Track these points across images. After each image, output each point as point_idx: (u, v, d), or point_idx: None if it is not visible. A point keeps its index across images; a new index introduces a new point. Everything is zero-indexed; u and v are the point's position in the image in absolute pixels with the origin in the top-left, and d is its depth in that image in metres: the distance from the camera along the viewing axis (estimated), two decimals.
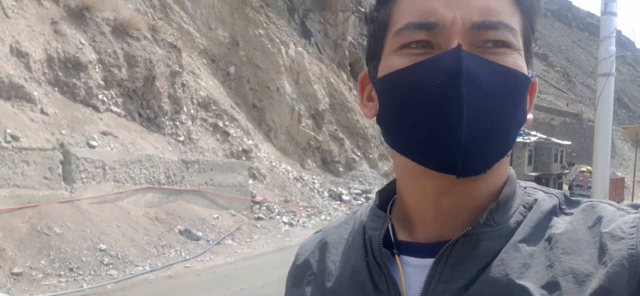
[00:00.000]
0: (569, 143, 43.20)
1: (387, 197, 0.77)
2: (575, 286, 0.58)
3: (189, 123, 15.19)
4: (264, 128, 20.67)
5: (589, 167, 37.46)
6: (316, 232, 0.86)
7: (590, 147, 5.40)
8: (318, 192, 18.72)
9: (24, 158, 9.30)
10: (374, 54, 0.70)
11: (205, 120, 16.44)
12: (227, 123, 17.43)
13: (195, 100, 16.42)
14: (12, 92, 10.48)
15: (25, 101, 10.62)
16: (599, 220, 0.62)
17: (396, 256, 0.68)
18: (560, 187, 39.05)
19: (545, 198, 0.68)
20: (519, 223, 0.64)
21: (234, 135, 17.16)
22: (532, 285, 0.59)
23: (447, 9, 0.61)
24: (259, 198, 15.15)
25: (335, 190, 19.45)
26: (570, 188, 36.04)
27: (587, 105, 71.81)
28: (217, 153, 15.48)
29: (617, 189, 32.02)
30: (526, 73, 0.65)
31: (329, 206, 17.57)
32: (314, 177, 19.94)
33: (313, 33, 25.93)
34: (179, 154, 13.24)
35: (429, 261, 0.65)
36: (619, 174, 43.06)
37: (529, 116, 0.68)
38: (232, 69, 20.77)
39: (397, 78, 0.64)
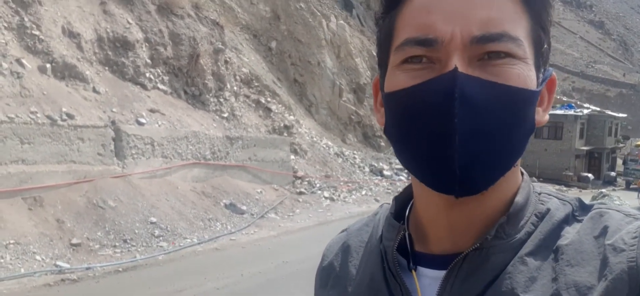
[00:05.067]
0: (624, 115, 41.13)
1: (404, 202, 0.77)
2: None
3: (233, 99, 15.48)
4: (305, 104, 20.77)
5: None
6: (341, 232, 0.87)
7: None
8: (359, 167, 18.76)
9: (79, 136, 9.79)
10: (382, 63, 0.70)
11: (247, 97, 16.69)
12: (268, 99, 17.63)
13: (237, 77, 16.67)
14: (66, 72, 10.97)
15: (78, 80, 11.10)
16: (604, 230, 0.62)
17: (412, 269, 0.69)
18: (614, 162, 37.37)
19: (559, 206, 0.67)
20: (529, 234, 0.64)
21: (276, 111, 17.36)
22: None
23: (446, 23, 0.60)
24: (300, 173, 15.36)
25: (376, 165, 19.43)
26: (624, 163, 34.45)
27: None
28: (259, 129, 15.73)
29: None
30: (533, 84, 0.63)
31: (369, 181, 17.60)
32: (355, 152, 19.96)
33: (355, 5, 25.59)
34: (223, 130, 13.55)
35: (443, 273, 0.66)
36: None
37: (544, 118, 0.67)
38: (273, 44, 20.87)
39: (397, 98, 0.64)
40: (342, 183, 16.30)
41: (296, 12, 21.30)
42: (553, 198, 0.68)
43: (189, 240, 9.58)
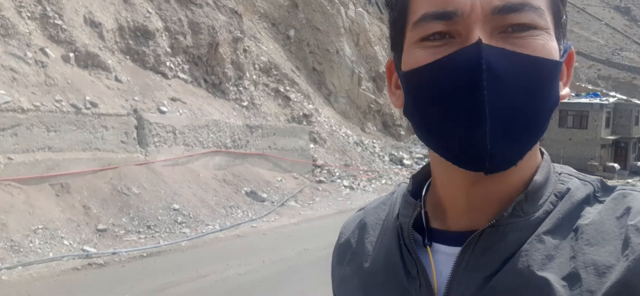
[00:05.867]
0: None
1: (422, 181, 0.76)
2: (595, 278, 0.57)
3: (252, 88, 15.53)
4: (324, 92, 20.74)
5: None
6: (358, 210, 0.87)
7: None
8: (379, 156, 18.70)
9: (102, 124, 9.94)
10: (396, 43, 0.68)
11: (267, 85, 16.73)
12: (287, 88, 17.64)
13: (257, 66, 16.71)
14: (89, 61, 11.13)
15: (101, 69, 11.25)
16: (627, 210, 0.60)
17: (427, 245, 0.68)
18: None
19: (580, 186, 0.66)
20: (548, 213, 0.63)
21: (295, 99, 17.37)
22: (554, 276, 0.58)
23: None
24: (319, 162, 15.38)
25: (396, 154, 19.34)
26: None
27: None
28: (279, 118, 15.78)
29: None
30: (556, 55, 0.61)
31: (389, 170, 17.54)
32: (375, 141, 19.89)
33: None
34: (243, 119, 13.62)
35: (459, 250, 0.65)
36: None
37: (565, 91, 0.65)
38: (292, 32, 20.84)
39: (418, 76, 0.62)
40: (361, 172, 16.28)
41: (314, 0, 21.22)
42: (574, 178, 0.67)
43: (211, 227, 9.69)
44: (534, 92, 0.59)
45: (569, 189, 0.65)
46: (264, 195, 11.90)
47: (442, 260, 0.66)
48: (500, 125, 0.57)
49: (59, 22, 10.99)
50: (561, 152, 28.76)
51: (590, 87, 45.26)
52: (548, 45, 0.60)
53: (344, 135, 18.45)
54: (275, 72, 17.78)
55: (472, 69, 0.56)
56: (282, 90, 17.16)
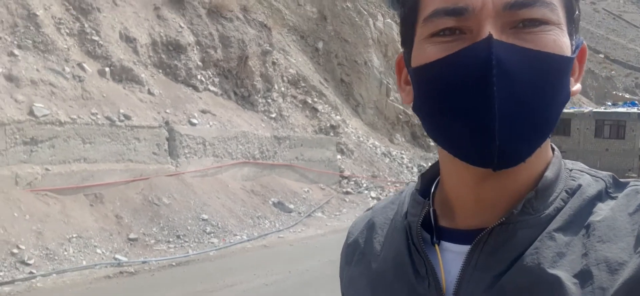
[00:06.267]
0: None
1: (430, 180, 0.76)
2: (607, 275, 0.56)
3: (280, 100, 15.70)
4: (352, 103, 20.76)
5: None
6: (366, 210, 0.87)
7: None
8: (407, 167, 18.55)
9: (135, 136, 10.24)
10: (406, 38, 0.68)
11: (294, 97, 16.88)
12: (315, 99, 17.75)
13: (285, 78, 16.90)
14: (123, 75, 11.49)
15: (135, 83, 11.60)
16: None
17: (435, 243, 0.68)
18: None
19: (591, 182, 0.65)
20: (559, 210, 0.62)
21: (322, 111, 17.46)
22: (565, 274, 0.58)
23: None
24: (346, 173, 15.37)
25: (424, 165, 19.13)
26: None
27: None
28: (306, 129, 15.88)
29: None
30: (568, 50, 0.61)
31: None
32: (403, 152, 19.75)
33: None
34: (271, 130, 13.78)
35: (468, 248, 0.64)
36: None
37: (576, 87, 0.65)
38: (320, 45, 20.99)
39: (428, 71, 0.62)
40: (389, 184, 16.18)
41: (343, 11, 21.34)
42: (585, 175, 0.66)
43: (238, 237, 9.81)
44: (544, 88, 0.58)
45: (580, 185, 0.64)
46: (291, 206, 11.97)
47: (450, 259, 0.66)
48: (510, 121, 0.57)
49: (96, 38, 11.41)
50: (597, 163, 27.85)
51: (627, 96, 43.74)
52: (559, 41, 0.59)
53: (371, 146, 18.40)
54: (303, 84, 17.93)
55: (482, 64, 0.56)
56: (309, 101, 17.28)
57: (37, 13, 10.43)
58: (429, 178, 0.76)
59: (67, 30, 11.09)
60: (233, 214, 10.54)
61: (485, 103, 0.57)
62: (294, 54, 19.43)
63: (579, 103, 28.74)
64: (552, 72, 0.59)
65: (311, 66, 20.08)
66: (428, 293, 0.66)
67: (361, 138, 18.45)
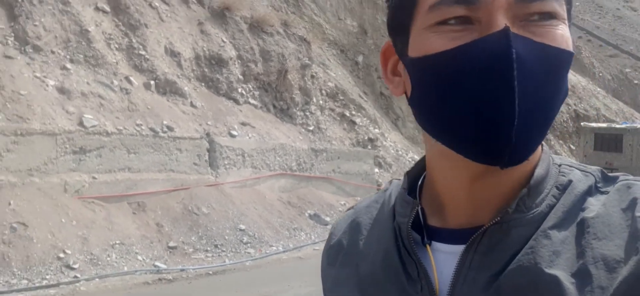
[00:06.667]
0: None
1: (416, 177, 0.73)
2: (605, 274, 0.55)
3: (318, 113, 15.82)
4: (392, 117, 20.65)
5: None
6: (348, 210, 0.84)
7: None
8: None
9: (177, 147, 10.58)
10: (401, 26, 0.64)
11: (333, 110, 16.97)
12: (353, 112, 17.78)
13: (323, 91, 17.02)
14: (167, 88, 11.91)
15: (178, 96, 12.00)
16: (634, 202, 0.58)
17: (427, 244, 0.66)
18: None
19: (581, 177, 0.63)
20: (551, 207, 0.61)
21: (360, 123, 17.45)
22: (563, 273, 0.56)
23: None
24: (384, 186, 15.25)
25: None
26: None
27: None
28: (344, 142, 15.91)
29: None
30: (571, 45, 0.60)
31: None
32: None
33: None
34: (309, 143, 13.89)
35: (460, 248, 0.62)
36: None
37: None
38: (360, 58, 21.05)
39: (436, 62, 0.58)
40: None
41: (383, 25, 21.33)
42: (575, 170, 0.65)
43: (274, 248, 9.91)
44: (553, 84, 0.58)
45: (570, 181, 0.63)
46: (327, 219, 11.99)
47: (442, 259, 0.64)
48: (526, 117, 0.55)
49: (143, 52, 11.90)
50: None
51: None
52: (565, 36, 0.58)
53: (410, 160, 18.19)
54: (341, 97, 18.00)
55: (501, 58, 0.54)
56: (347, 114, 17.32)
57: (89, 29, 11.00)
58: (415, 175, 0.73)
59: (116, 45, 11.63)
60: (270, 225, 10.67)
61: (505, 99, 0.54)
62: (334, 68, 19.56)
63: (632, 118, 27.36)
64: (560, 68, 0.58)
65: (351, 79, 20.13)
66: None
67: (400, 152, 18.28)
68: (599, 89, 31.08)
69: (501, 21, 0.55)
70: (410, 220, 0.67)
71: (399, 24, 0.65)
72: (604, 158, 19.63)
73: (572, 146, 24.61)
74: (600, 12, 46.21)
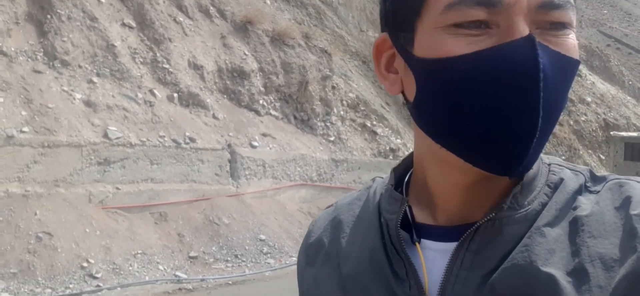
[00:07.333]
0: None
1: (403, 174, 0.71)
2: (603, 272, 0.54)
3: (339, 124, 15.82)
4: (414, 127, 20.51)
5: None
6: (328, 207, 0.81)
7: None
8: None
9: (199, 158, 10.72)
10: (406, 21, 0.60)
11: (353, 121, 16.95)
12: (374, 122, 17.73)
13: (344, 102, 17.03)
14: (190, 100, 12.12)
15: (200, 108, 12.19)
16: (627, 200, 0.57)
17: (416, 242, 0.64)
18: None
19: (572, 176, 0.62)
20: (544, 205, 0.60)
21: (382, 134, 17.38)
22: (559, 272, 0.55)
23: None
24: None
25: None
26: None
27: None
28: (365, 153, 15.85)
29: None
30: (578, 54, 0.59)
31: None
32: None
33: None
34: (329, 153, 13.89)
35: (451, 246, 0.60)
36: None
37: None
38: None
39: (452, 66, 0.55)
40: None
41: None
42: (565, 169, 0.64)
43: (294, 258, 9.89)
44: (565, 94, 0.57)
45: (562, 179, 0.62)
46: None
47: (431, 258, 0.62)
48: (545, 126, 0.54)
49: (167, 65, 12.15)
50: None
51: None
52: (576, 46, 0.58)
53: None
54: (362, 108, 17.98)
55: (527, 67, 0.52)
56: (368, 125, 17.28)
57: (115, 44, 11.30)
58: (402, 172, 0.72)
59: (141, 59, 11.91)
60: (290, 235, 10.67)
61: (529, 112, 0.52)
62: (356, 79, 19.58)
63: None
64: (571, 78, 0.58)
65: (373, 90, 20.11)
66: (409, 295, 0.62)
67: None
68: (628, 97, 30.27)
69: (523, 27, 0.53)
70: (400, 216, 0.65)
71: (404, 18, 0.60)
72: (634, 168, 19.07)
73: (601, 156, 23.94)
74: (629, 19, 45.13)
